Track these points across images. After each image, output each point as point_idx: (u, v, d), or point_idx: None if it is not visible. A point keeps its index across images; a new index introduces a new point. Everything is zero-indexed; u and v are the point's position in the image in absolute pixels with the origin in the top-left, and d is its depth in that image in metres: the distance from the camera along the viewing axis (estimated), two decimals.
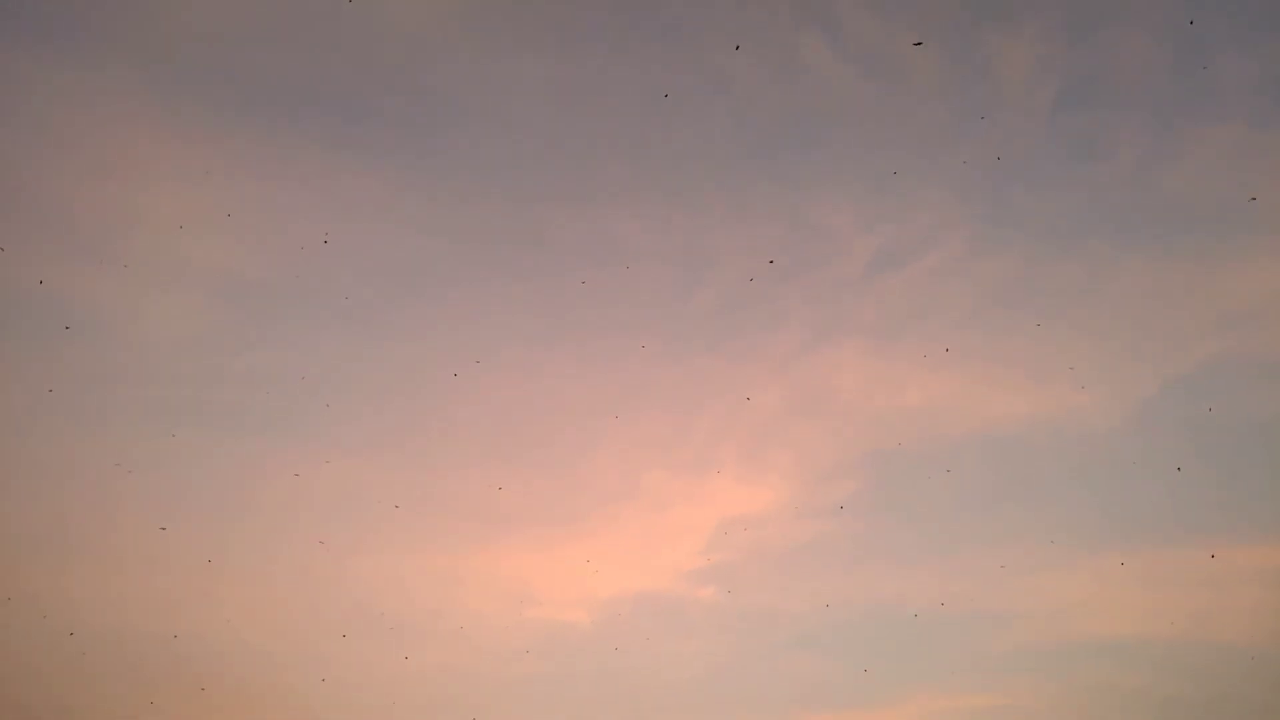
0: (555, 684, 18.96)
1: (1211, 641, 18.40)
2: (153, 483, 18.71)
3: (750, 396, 20.26)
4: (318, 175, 20.26)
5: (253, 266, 20.18)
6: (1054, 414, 19.99)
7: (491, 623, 19.38)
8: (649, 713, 18.64)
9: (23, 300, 18.81)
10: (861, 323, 20.51)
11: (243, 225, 19.88)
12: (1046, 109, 19.93)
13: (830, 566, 19.84)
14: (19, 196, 19.11)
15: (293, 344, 20.04)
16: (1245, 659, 17.84)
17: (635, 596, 19.86)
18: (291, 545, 18.98)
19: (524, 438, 20.27)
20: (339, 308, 20.21)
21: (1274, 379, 19.21)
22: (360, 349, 20.22)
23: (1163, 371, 19.72)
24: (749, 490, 20.35)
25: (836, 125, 20.48)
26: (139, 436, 19.01)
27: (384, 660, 18.42)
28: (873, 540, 19.84)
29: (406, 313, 20.49)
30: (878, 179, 20.42)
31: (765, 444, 20.52)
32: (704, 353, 20.51)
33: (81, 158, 19.54)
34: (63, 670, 17.52)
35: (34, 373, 18.69)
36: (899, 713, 18.45)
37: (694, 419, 20.43)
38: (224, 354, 19.86)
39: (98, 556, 18.50)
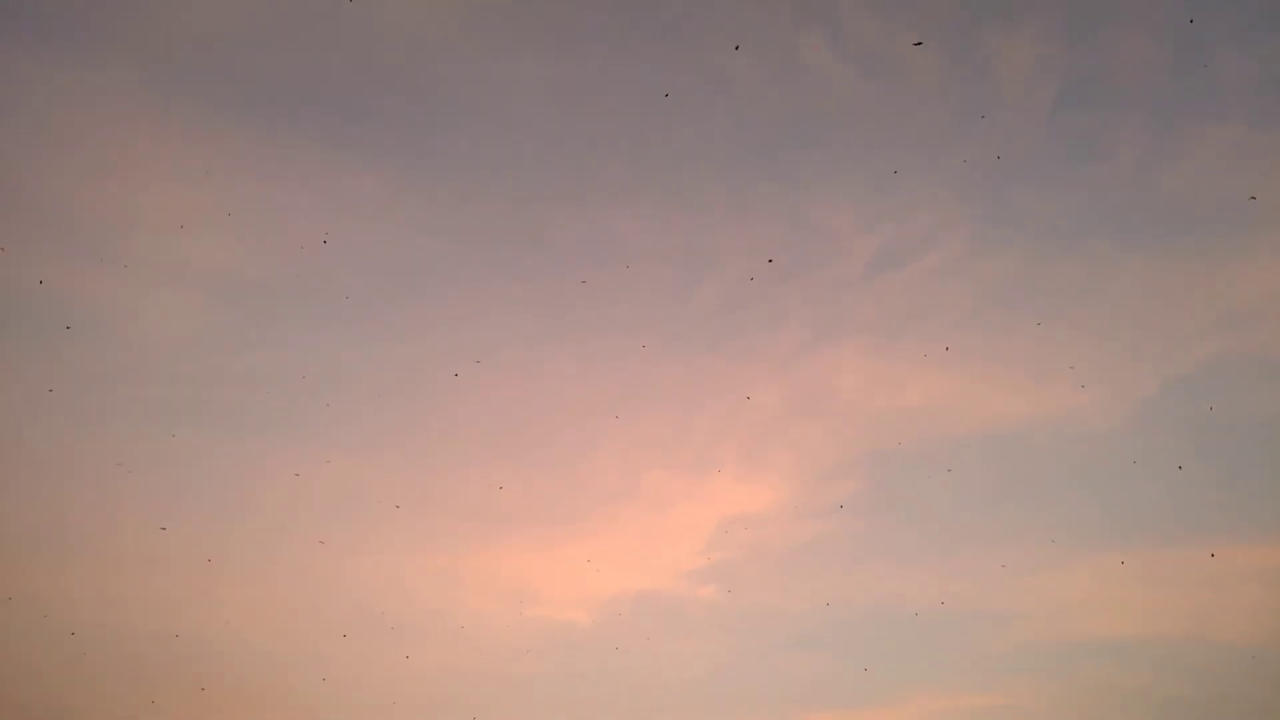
0: (556, 683, 18.99)
1: (1212, 641, 18.42)
2: (153, 482, 18.74)
3: (750, 396, 20.29)
4: (318, 175, 20.29)
5: (253, 266, 20.21)
6: (1054, 413, 20.01)
7: (492, 622, 19.40)
8: (649, 712, 18.66)
9: (23, 300, 18.84)
10: (862, 322, 20.53)
11: (243, 225, 19.90)
12: (1046, 108, 19.96)
13: (830, 566, 19.87)
14: (19, 196, 19.14)
15: (293, 344, 20.07)
16: (1245, 659, 17.85)
17: (635, 596, 19.89)
18: (292, 545, 19.00)
19: (524, 437, 20.29)
20: (339, 308, 20.24)
21: (1274, 378, 19.22)
22: (360, 349, 20.25)
23: (1163, 371, 19.74)
24: (749, 490, 20.37)
25: (836, 125, 20.51)
26: (139, 436, 19.04)
27: (384, 660, 18.43)
28: (873, 540, 19.87)
29: (406, 313, 20.52)
30: (878, 179, 20.45)
31: (765, 443, 20.54)
32: (704, 352, 20.54)
33: (81, 158, 19.57)
34: (63, 670, 17.54)
35: (34, 373, 18.71)
36: (899, 712, 18.47)
37: (694, 418, 20.45)
38: (224, 354, 19.89)
39: (98, 556, 18.53)
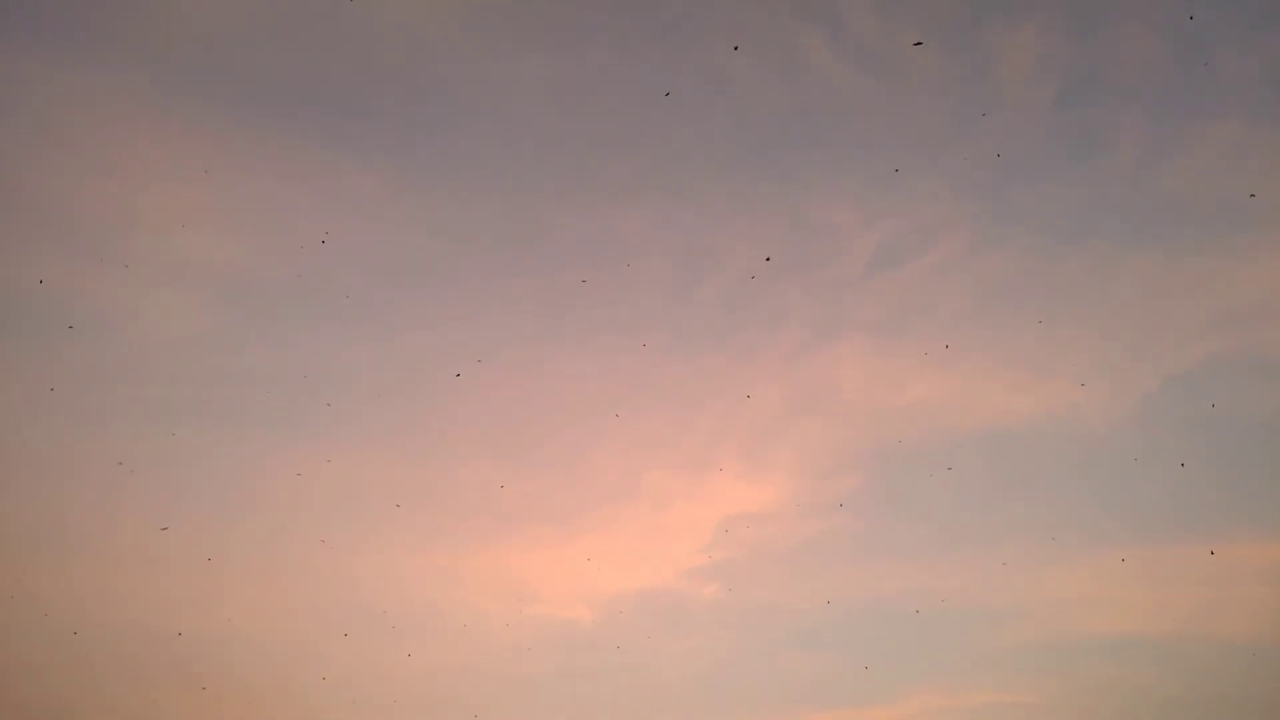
0: (557, 681, 19.00)
1: (1211, 638, 18.45)
2: (154, 482, 18.74)
3: (751, 394, 20.30)
4: (318, 175, 20.30)
5: (253, 266, 20.22)
6: (1055, 411, 20.04)
7: (493, 621, 19.41)
8: (651, 710, 18.67)
9: (23, 300, 18.85)
10: (862, 320, 20.55)
11: (243, 225, 19.92)
12: (1047, 106, 19.98)
13: (831, 564, 19.89)
14: (19, 196, 19.15)
15: (293, 343, 20.08)
16: (1245, 655, 17.87)
17: (637, 594, 19.90)
18: (293, 544, 19.01)
19: (525, 436, 20.30)
20: (339, 307, 20.25)
21: (1275, 377, 19.24)
22: (361, 348, 20.27)
23: (1163, 369, 19.76)
24: (750, 488, 20.38)
25: (837, 123, 20.53)
26: (140, 435, 19.05)
27: (386, 658, 18.44)
28: (874, 537, 19.89)
29: (407, 311, 20.53)
30: (878, 177, 20.46)
31: (766, 442, 20.56)
32: (705, 351, 20.56)
33: (81, 158, 19.58)
34: (65, 668, 17.56)
35: (35, 372, 18.72)
36: (900, 709, 18.49)
37: (695, 417, 20.47)
38: (224, 353, 19.90)
39: (99, 555, 18.54)
